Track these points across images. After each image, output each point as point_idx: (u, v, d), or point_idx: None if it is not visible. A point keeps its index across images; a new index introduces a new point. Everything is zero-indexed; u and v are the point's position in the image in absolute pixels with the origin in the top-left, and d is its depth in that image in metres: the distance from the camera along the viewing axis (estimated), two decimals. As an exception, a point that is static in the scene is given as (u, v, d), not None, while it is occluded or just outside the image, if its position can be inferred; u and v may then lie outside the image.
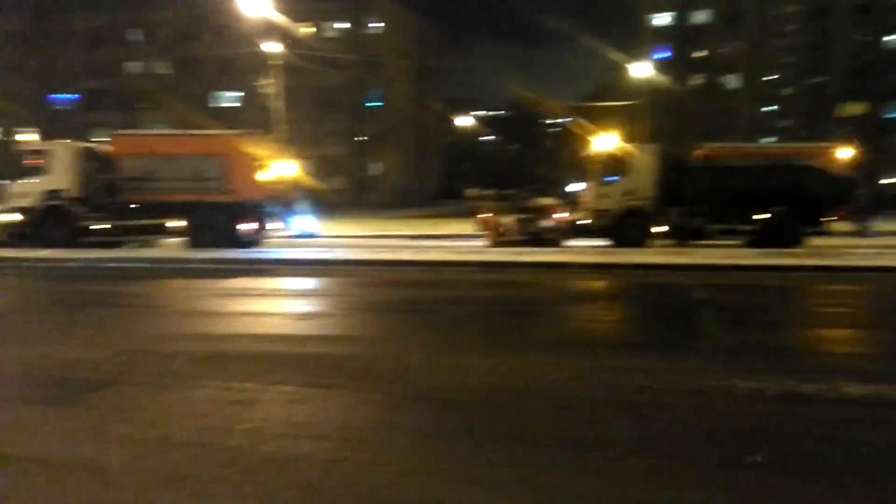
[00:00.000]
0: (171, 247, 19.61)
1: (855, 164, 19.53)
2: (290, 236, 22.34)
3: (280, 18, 27.26)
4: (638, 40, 58.31)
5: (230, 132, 20.84)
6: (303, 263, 16.16)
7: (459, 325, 8.93)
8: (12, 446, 4.68)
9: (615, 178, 19.59)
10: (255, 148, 20.04)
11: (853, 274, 13.48)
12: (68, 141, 20.77)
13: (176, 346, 7.51)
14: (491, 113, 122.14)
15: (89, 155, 20.11)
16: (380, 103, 60.62)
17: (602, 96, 69.10)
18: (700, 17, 59.02)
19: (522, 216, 20.24)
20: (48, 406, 5.53)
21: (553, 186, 77.93)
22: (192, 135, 21.66)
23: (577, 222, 19.91)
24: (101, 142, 21.68)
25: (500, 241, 19.62)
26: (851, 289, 12.32)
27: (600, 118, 68.42)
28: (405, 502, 3.80)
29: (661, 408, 5.29)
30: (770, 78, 58.53)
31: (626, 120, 49.46)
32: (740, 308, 10.46)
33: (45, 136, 22.73)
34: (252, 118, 45.90)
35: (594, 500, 3.78)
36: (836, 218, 18.92)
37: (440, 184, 78.11)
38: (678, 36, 58.34)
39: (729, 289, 12.06)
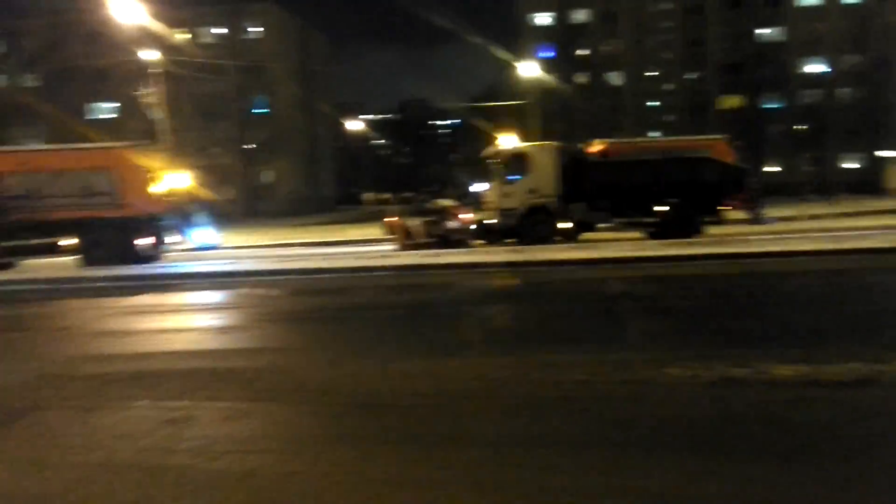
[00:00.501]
0: (66, 266, 18.76)
1: (741, 155, 20.31)
2: (190, 249, 21.78)
3: (155, 24, 26.36)
4: (521, 40, 59.59)
5: (117, 144, 20.13)
6: (209, 276, 15.76)
7: (384, 331, 8.90)
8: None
9: (518, 176, 19.69)
10: (145, 159, 19.44)
11: (757, 260, 13.79)
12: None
13: (95, 368, 7.30)
14: (381, 116, 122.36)
15: (-35, 175, 18.96)
16: (266, 110, 59.61)
17: (491, 96, 70.46)
18: (579, 15, 60.57)
19: (428, 219, 20.28)
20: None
21: (449, 187, 79.19)
22: (76, 148, 20.72)
23: (483, 222, 20.01)
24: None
25: (408, 244, 19.63)
26: (759, 273, 12.49)
27: (491, 118, 70.03)
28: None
29: (600, 400, 5.42)
30: (651, 74, 60.50)
31: (516, 119, 50.77)
32: (657, 298, 10.64)
33: None
34: (132, 129, 44.13)
35: (554, 493, 3.89)
36: (730, 207, 19.37)
37: (335, 190, 77.59)
38: (560, 35, 59.75)
39: (642, 280, 12.15)
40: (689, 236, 18.31)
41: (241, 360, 7.45)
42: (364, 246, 22.81)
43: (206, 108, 55.40)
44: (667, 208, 19.16)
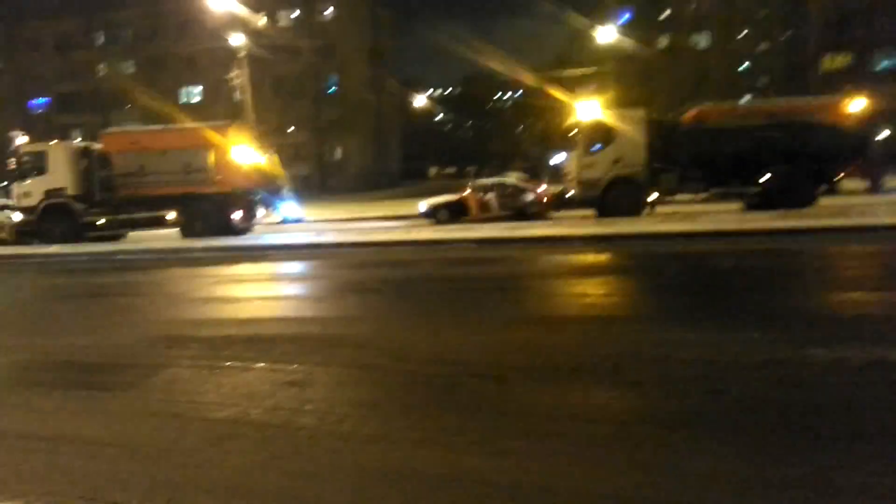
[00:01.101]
0: (169, 238, 19.57)
1: (867, 118, 17.79)
2: (278, 222, 22.37)
3: (242, 10, 26.83)
4: (598, 4, 56.41)
5: (212, 124, 20.79)
6: (300, 247, 16.07)
7: (480, 302, 8.51)
8: (101, 429, 4.67)
9: (600, 146, 18.29)
10: (237, 138, 20.01)
11: (885, 233, 12.31)
12: (64, 141, 20.57)
13: (212, 331, 7.49)
14: (445, 91, 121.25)
15: (84, 153, 19.91)
16: (336, 89, 60.14)
17: (563, 65, 68.42)
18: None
19: (503, 191, 19.68)
20: (118, 391, 5.49)
21: (516, 161, 77.85)
22: (176, 129, 21.49)
23: (564, 194, 19.01)
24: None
25: (483, 217, 19.13)
26: (885, 249, 11.11)
27: (565, 87, 67.91)
28: (502, 471, 3.75)
29: (737, 381, 4.83)
30: (742, 34, 53.28)
31: (592, 88, 48.30)
32: (772, 274, 9.50)
33: (33, 138, 22.38)
34: (218, 111, 45.29)
35: (688, 476, 3.56)
36: (844, 175, 17.53)
37: (401, 165, 77.78)
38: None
39: (751, 255, 10.92)
40: (800, 207, 16.53)
41: (345, 327, 7.47)
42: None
43: (283, 88, 56.19)
44: (774, 177, 17.30)
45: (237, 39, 28.38)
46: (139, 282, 12.75)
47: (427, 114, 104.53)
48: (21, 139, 21.02)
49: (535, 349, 6.00)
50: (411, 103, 75.74)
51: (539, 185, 19.98)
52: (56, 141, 21.09)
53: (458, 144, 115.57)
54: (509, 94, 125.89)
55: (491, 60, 55.33)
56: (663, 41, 54.02)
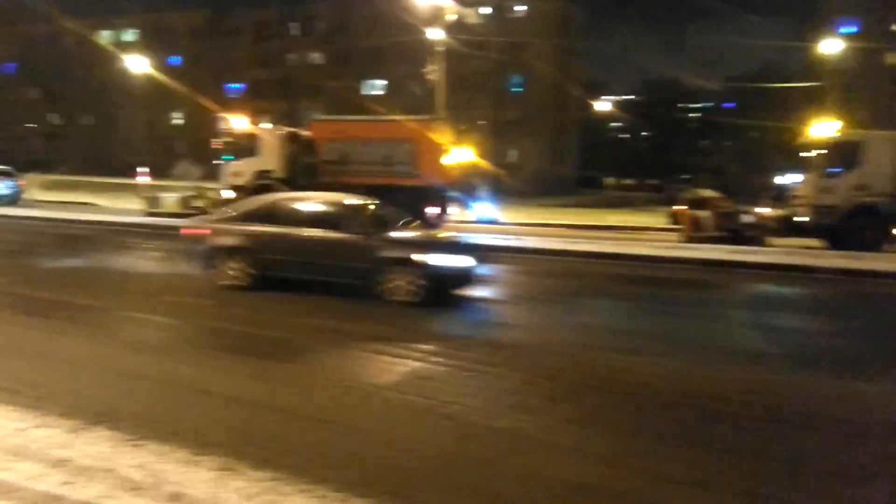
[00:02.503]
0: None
1: None
2: (471, 221, 22.67)
3: (432, 5, 27.51)
4: (818, 12, 52.67)
5: (416, 118, 21.45)
6: (503, 250, 16.04)
7: (696, 327, 8.68)
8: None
9: (841, 169, 16.98)
10: (439, 133, 20.53)
11: None
12: (277, 126, 22.10)
13: None
14: (624, 98, 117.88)
15: (292, 139, 21.30)
16: (520, 88, 60.33)
17: (767, 77, 64.57)
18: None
19: (721, 210, 18.79)
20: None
21: (705, 176, 74.21)
22: (382, 121, 22.50)
23: (793, 219, 17.49)
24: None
25: (696, 236, 18.24)
26: None
27: (771, 101, 63.77)
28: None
29: None
30: None
31: (802, 102, 45.27)
32: None
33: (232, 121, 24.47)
34: (398, 105, 47.11)
35: None
36: None
37: (576, 172, 76.61)
38: (868, 6, 51.01)
39: None
40: None
41: (549, 336, 8.03)
42: (637, 233, 21.99)
43: (467, 85, 57.28)
44: None
45: (435, 33, 29.15)
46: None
47: (603, 120, 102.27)
48: (227, 121, 22.76)
49: (761, 387, 6.03)
50: (592, 108, 74.52)
51: (730, 205, 18.77)
52: (269, 124, 22.69)
53: (635, 154, 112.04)
54: (697, 104, 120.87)
55: (679, 67, 52.69)
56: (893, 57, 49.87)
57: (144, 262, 14.61)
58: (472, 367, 6.49)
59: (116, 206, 28.00)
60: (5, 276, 11.31)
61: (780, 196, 19.01)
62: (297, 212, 10.30)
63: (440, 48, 29.87)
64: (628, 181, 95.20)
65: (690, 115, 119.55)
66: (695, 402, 5.72)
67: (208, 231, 10.65)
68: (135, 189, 27.42)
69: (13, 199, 27.60)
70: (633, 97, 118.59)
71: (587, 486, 4.10)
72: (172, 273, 12.22)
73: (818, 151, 17.47)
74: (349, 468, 4.24)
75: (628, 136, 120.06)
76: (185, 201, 23.05)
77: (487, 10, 59.67)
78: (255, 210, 10.67)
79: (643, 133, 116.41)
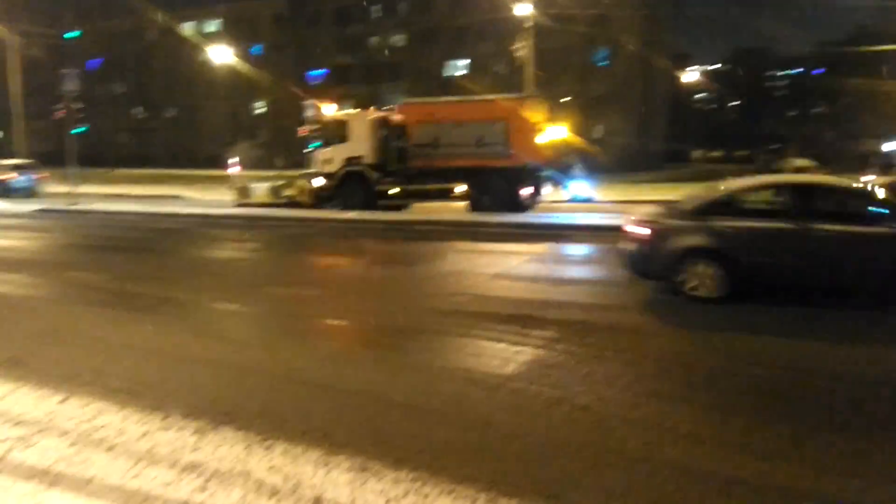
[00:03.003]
0: (457, 211, 19.91)
1: None
2: (566, 200, 21.84)
3: None
4: None
5: (508, 97, 20.65)
6: (603, 229, 15.31)
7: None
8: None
9: None
10: (532, 112, 19.74)
11: None
12: (367, 110, 21.74)
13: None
14: (711, 67, 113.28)
15: (383, 123, 20.92)
16: (606, 62, 58.49)
17: (858, 41, 60.99)
18: None
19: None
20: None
21: (799, 145, 71.13)
22: (474, 101, 21.83)
23: None
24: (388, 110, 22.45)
25: None
26: None
27: (860, 65, 60.05)
28: None
29: None
30: None
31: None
32: None
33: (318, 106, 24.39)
34: (483, 84, 46.25)
35: None
36: None
37: (664, 145, 74.22)
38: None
39: None
40: None
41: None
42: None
43: (553, 61, 55.89)
44: None
45: (523, 9, 28.18)
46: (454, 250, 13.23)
47: (689, 92, 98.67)
48: (315, 108, 22.50)
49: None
50: (678, 79, 71.76)
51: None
52: (358, 110, 22.37)
53: (722, 126, 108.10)
54: (787, 72, 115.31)
55: (767, 34, 50.32)
56: None
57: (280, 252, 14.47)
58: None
59: (206, 198, 28.48)
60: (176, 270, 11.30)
61: (888, 164, 17.59)
62: (791, 201, 8.13)
63: (528, 24, 28.88)
64: (716, 153, 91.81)
65: (779, 82, 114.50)
66: (844, 386, 5.35)
67: (656, 229, 8.49)
68: (224, 180, 27.80)
69: (29, 192, 28.78)
70: (719, 66, 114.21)
71: (745, 481, 3.82)
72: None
73: None
74: (488, 464, 4.03)
75: (715, 106, 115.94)
76: (275, 191, 23.04)
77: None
78: (718, 201, 8.56)
79: (731, 103, 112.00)
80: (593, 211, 19.17)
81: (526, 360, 5.99)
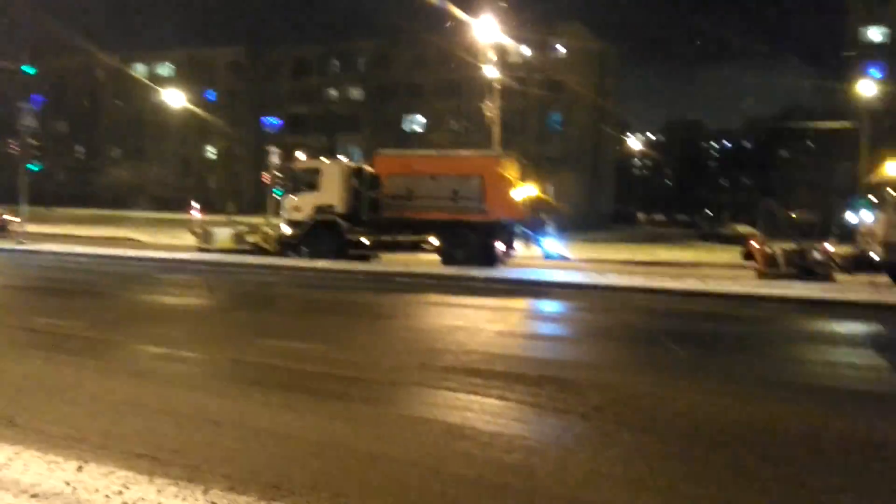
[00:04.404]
0: (432, 264, 19.53)
1: None
2: (540, 257, 21.74)
3: (511, 41, 27.06)
4: (848, 57, 53.23)
5: (484, 153, 20.63)
6: (584, 287, 15.47)
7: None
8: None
9: None
10: (507, 169, 19.72)
11: None
12: (340, 159, 21.37)
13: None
14: (645, 135, 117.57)
15: (355, 173, 20.53)
16: (558, 126, 60.06)
17: (791, 117, 64.62)
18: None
19: (792, 247, 18.37)
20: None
21: (735, 212, 74.41)
22: (450, 155, 21.75)
23: (863, 256, 17.46)
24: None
25: (770, 273, 17.74)
26: None
27: (801, 140, 63.27)
28: None
29: None
30: None
31: (831, 143, 45.25)
32: None
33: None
34: (438, 140, 46.72)
35: None
36: None
37: (611, 207, 76.11)
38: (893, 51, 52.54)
39: None
40: None
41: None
42: (713, 269, 21.24)
43: (511, 122, 56.91)
44: None
45: (491, 70, 28.64)
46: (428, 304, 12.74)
47: (630, 158, 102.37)
48: (276, 156, 22.09)
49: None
50: (624, 145, 74.31)
51: (764, 241, 18.63)
52: (330, 159, 21.99)
53: (660, 191, 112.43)
54: (719, 144, 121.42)
55: (700, 106, 53.96)
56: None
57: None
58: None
59: (161, 241, 27.37)
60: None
61: (845, 233, 18.41)
62: None
63: (497, 85, 29.28)
64: (658, 216, 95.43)
65: (712, 153, 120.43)
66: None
67: None
68: (174, 224, 26.83)
69: None
70: (657, 137, 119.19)
71: None
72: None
73: (892, 189, 17.13)
74: None
75: (650, 173, 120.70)
76: (239, 237, 22.27)
77: (527, 50, 59.60)
78: None
79: (667, 170, 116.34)
80: (573, 269, 19.15)
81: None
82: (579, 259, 21.76)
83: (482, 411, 5.85)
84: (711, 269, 21.34)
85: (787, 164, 70.84)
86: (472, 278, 16.31)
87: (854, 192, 38.19)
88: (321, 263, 18.59)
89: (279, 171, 21.49)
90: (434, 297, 13.66)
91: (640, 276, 17.49)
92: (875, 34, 55.01)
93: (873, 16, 54.74)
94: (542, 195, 21.84)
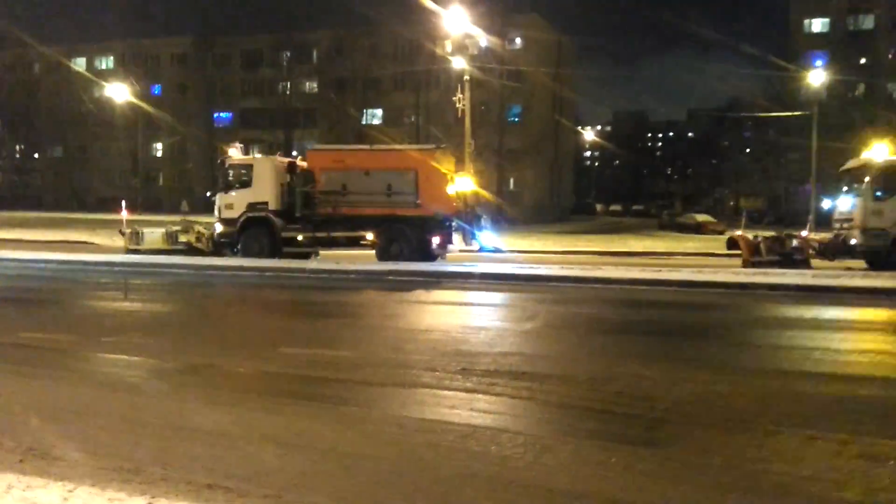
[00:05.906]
0: (368, 260, 19.59)
1: None
2: (475, 250, 21.96)
3: (476, 32, 27.69)
4: (791, 48, 54.99)
5: (419, 147, 20.74)
6: (520, 279, 15.70)
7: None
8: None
9: (889, 193, 17.58)
10: (442, 162, 19.83)
11: None
12: (271, 156, 21.31)
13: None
14: (596, 127, 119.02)
15: (289, 169, 20.49)
16: (517, 119, 60.51)
17: (735, 108, 66.19)
18: (867, 22, 54.97)
19: (772, 235, 19.23)
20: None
21: (686, 201, 76.09)
22: (384, 150, 21.78)
23: (842, 242, 18.15)
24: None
25: (754, 261, 18.37)
26: None
27: (743, 130, 64.52)
28: None
29: None
30: None
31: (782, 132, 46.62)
32: None
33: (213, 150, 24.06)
34: (397, 134, 46.69)
35: None
36: None
37: (570, 199, 77.05)
38: (837, 43, 54.35)
39: None
40: None
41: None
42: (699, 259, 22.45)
43: (472, 114, 57.14)
44: None
45: (459, 62, 29.19)
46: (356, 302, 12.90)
47: (583, 150, 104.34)
48: (236, 152, 21.84)
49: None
50: (581, 138, 75.57)
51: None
52: (262, 155, 21.90)
53: (612, 182, 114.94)
54: (664, 134, 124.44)
55: (647, 98, 55.68)
56: (860, 88, 53.76)
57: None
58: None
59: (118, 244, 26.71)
60: None
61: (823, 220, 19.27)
62: None
63: (467, 77, 29.67)
64: (615, 207, 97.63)
65: (658, 143, 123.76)
66: None
67: None
68: (113, 225, 26.38)
69: None
70: (605, 128, 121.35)
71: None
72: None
73: (869, 176, 17.79)
74: None
75: (602, 165, 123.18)
76: (171, 236, 22.03)
77: (486, 43, 59.88)
78: None
79: (616, 161, 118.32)
80: (511, 261, 19.39)
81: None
82: (513, 251, 22.15)
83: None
84: (688, 258, 22.42)
85: (736, 153, 72.94)
86: (414, 273, 16.56)
87: (805, 180, 39.40)
88: (267, 262, 18.38)
89: (223, 169, 21.36)
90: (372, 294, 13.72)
91: (580, 267, 17.60)
92: (817, 25, 56.86)
93: (816, 7, 56.62)
94: (477, 189, 22.00)
